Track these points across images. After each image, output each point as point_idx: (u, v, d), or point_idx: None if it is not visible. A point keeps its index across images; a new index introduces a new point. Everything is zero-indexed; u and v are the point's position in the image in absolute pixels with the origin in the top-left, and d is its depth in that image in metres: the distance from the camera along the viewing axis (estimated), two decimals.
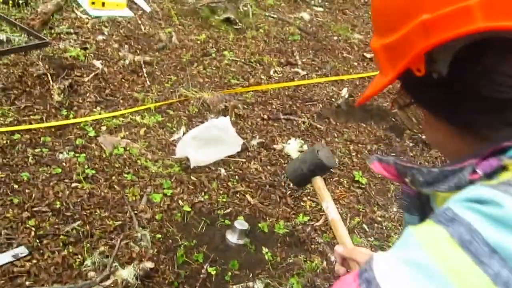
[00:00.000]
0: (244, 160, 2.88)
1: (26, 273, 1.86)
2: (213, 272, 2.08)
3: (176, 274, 2.03)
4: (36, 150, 2.59)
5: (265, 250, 2.23)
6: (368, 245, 2.41)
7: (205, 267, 2.10)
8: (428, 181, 0.53)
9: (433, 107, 0.56)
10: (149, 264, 1.94)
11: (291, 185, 2.59)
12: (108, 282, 1.86)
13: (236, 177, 2.72)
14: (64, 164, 2.53)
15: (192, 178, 2.63)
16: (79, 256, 1.98)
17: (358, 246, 1.04)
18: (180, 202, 2.44)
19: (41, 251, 1.98)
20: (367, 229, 2.54)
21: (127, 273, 1.89)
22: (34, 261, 1.93)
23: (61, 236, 2.06)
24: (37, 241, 2.02)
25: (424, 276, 0.41)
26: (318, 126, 3.39)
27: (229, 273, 2.10)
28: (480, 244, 0.39)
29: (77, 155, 2.62)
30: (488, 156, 0.48)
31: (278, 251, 2.26)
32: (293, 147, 3.08)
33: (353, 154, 3.21)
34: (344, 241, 1.05)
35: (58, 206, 2.22)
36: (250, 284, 2.05)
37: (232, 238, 2.28)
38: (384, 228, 2.58)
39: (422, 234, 0.44)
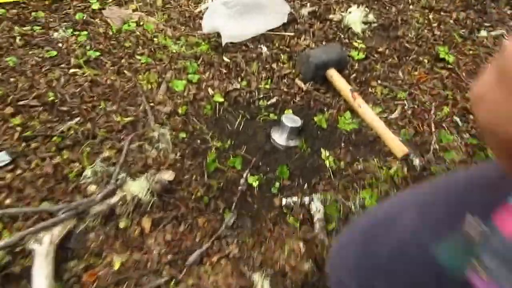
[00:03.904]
0: (292, 34, 2.19)
1: (6, 187, 1.40)
2: (255, 183, 1.55)
3: (206, 186, 1.52)
4: (25, 29, 2.02)
5: (324, 153, 1.66)
6: (462, 143, 1.78)
7: (244, 175, 1.57)
8: None
9: None
10: (168, 176, 1.42)
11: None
12: (113, 200, 1.38)
13: (282, 56, 2.06)
14: (60, 45, 1.96)
15: (225, 59, 2.00)
16: (77, 164, 1.49)
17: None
18: (209, 90, 1.85)
19: (28, 158, 1.50)
20: (460, 123, 1.88)
21: (138, 186, 1.40)
22: (19, 171, 1.46)
23: (54, 138, 1.56)
24: (23, 144, 1.54)
25: None
26: None
27: (277, 184, 1.57)
28: None
29: (76, 33, 2.03)
30: None
31: (342, 154, 1.68)
32: (355, 16, 2.33)
33: (434, 25, 2.42)
34: None
35: (51, 98, 1.70)
36: (306, 198, 1.52)
37: (279, 138, 1.71)
38: None
39: None
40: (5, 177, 1.42)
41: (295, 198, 1.52)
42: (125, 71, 1.87)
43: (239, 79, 1.92)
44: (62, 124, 1.62)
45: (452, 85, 2.07)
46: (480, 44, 2.33)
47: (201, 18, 2.18)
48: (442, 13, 2.51)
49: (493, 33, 2.40)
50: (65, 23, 2.06)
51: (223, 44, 2.01)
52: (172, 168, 1.54)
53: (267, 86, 1.89)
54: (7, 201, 1.36)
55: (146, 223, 1.39)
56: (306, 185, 1.59)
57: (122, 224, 1.36)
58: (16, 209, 1.30)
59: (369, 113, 1.77)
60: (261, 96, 1.86)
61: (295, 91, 1.89)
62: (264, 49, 2.07)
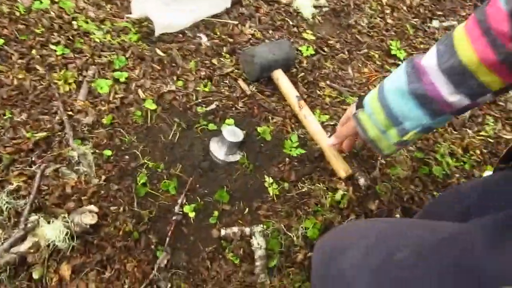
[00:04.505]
0: (235, 22, 1.95)
1: None
2: (192, 214, 1.40)
3: (135, 217, 1.35)
4: None
5: (268, 179, 1.52)
6: (409, 157, 1.72)
7: (179, 202, 1.42)
8: None
9: None
10: (89, 219, 1.22)
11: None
12: (23, 247, 1.17)
13: (224, 49, 1.84)
14: None
15: (158, 52, 1.75)
16: None
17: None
18: (140, 92, 1.62)
19: None
20: None
21: (53, 230, 1.19)
22: None
23: None
24: None
25: None
26: None
27: (215, 212, 1.43)
28: None
29: None
30: None
31: (286, 172, 1.56)
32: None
33: (387, 11, 2.28)
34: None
35: None
36: (246, 229, 1.40)
37: (219, 152, 1.55)
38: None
39: None
40: None
41: (235, 229, 1.40)
42: (36, 66, 1.57)
43: (175, 78, 1.69)
44: None
45: None
46: (432, 36, 2.24)
47: None
48: None
49: (445, 24, 2.30)
50: None
51: (156, 34, 1.74)
52: (95, 196, 1.34)
53: (207, 89, 1.68)
54: None
55: (65, 270, 1.21)
56: (247, 209, 1.47)
57: (36, 274, 1.18)
58: None
59: (314, 126, 1.64)
60: (199, 100, 1.65)
61: (237, 95, 1.71)
62: (204, 38, 1.83)
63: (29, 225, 1.20)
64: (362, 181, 1.59)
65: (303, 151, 1.59)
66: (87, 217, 1.21)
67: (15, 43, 1.61)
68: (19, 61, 1.57)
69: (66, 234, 1.20)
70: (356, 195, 1.56)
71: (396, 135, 1.04)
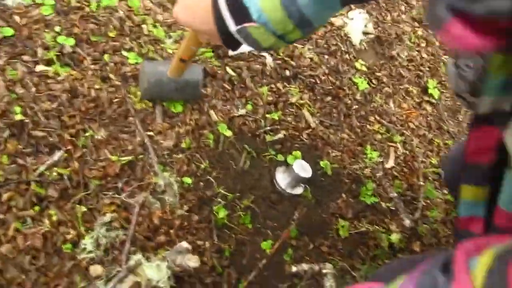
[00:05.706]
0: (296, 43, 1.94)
1: None
2: (268, 250, 1.44)
3: (218, 250, 1.37)
4: None
5: (329, 207, 1.60)
6: (443, 200, 1.87)
7: (256, 238, 1.45)
8: None
9: None
10: (193, 262, 1.21)
11: None
12: (124, 286, 1.16)
13: (287, 72, 1.83)
14: (17, 19, 1.44)
15: (228, 70, 1.71)
16: (70, 230, 1.20)
17: None
18: (212, 114, 1.59)
19: (2, 218, 1.15)
20: (443, 176, 1.95)
21: (156, 271, 1.19)
22: None
23: (33, 185, 1.20)
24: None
25: None
26: None
27: (288, 249, 1.49)
28: None
29: (39, 1, 1.50)
30: None
31: (344, 208, 1.64)
32: (356, 24, 2.15)
33: (422, 45, 2.37)
34: None
35: (19, 116, 1.28)
36: (315, 267, 1.48)
37: (285, 183, 1.58)
38: None
39: None
40: None
41: (305, 266, 1.47)
42: (110, 76, 1.48)
43: (244, 101, 1.67)
44: (37, 159, 1.25)
45: (435, 125, 2.11)
46: None
47: None
48: (429, 30, 2.45)
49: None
50: None
51: (232, 54, 1.70)
52: (181, 228, 1.34)
53: (275, 117, 1.69)
54: None
55: None
56: (311, 245, 1.54)
57: None
58: None
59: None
60: (268, 128, 1.66)
61: (302, 126, 1.73)
62: (269, 58, 1.81)
63: (131, 263, 1.18)
64: (407, 222, 1.71)
65: (376, 200, 1.67)
66: (192, 261, 1.21)
67: (88, 45, 1.49)
68: (93, 67, 1.46)
69: (168, 275, 1.20)
70: (403, 235, 1.69)
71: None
